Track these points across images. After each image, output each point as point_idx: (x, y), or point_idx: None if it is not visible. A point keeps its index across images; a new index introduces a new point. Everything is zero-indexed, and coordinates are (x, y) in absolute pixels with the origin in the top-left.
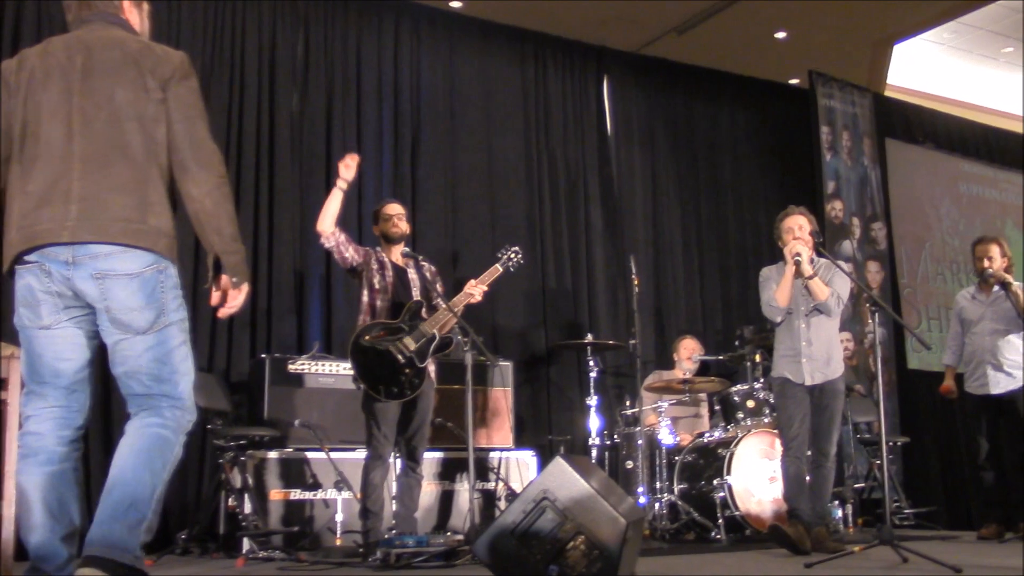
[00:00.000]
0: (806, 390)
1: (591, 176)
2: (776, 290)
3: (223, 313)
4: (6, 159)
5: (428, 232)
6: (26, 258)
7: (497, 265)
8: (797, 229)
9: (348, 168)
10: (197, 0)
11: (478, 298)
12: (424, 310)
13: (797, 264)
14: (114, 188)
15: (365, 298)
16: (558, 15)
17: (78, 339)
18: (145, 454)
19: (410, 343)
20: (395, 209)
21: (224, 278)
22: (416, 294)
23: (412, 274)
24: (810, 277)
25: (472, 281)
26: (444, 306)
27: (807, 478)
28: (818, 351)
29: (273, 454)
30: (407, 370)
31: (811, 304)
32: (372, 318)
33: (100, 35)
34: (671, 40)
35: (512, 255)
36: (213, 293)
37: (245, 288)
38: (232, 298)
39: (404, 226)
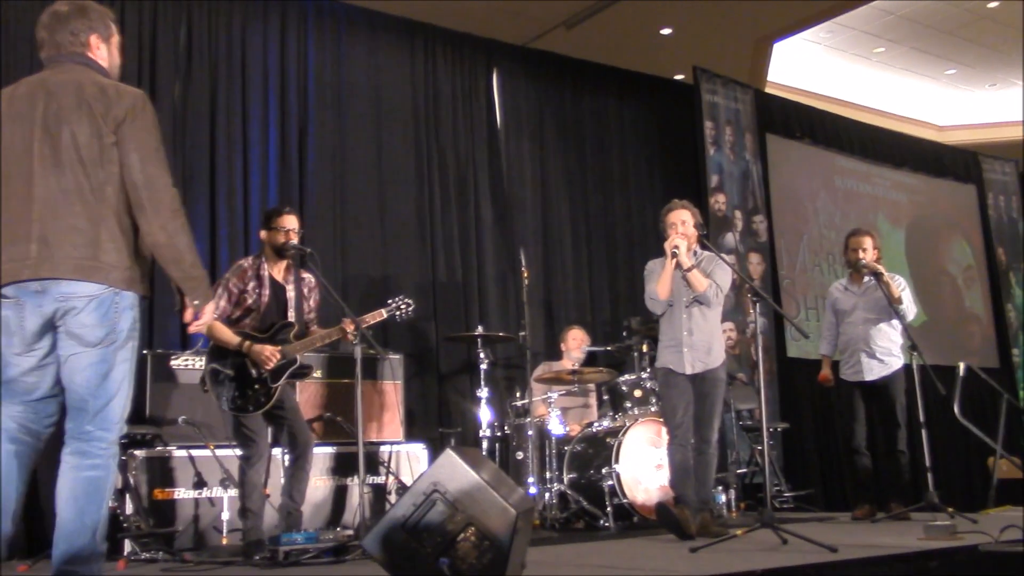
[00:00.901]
0: (688, 379)
1: (480, 169)
2: (657, 283)
3: (193, 328)
4: None
5: (316, 225)
6: (4, 292)
7: (382, 311)
8: (680, 224)
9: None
10: None
11: (350, 338)
12: (292, 332)
13: (675, 256)
14: (68, 229)
15: (233, 315)
16: (447, 8)
17: (45, 368)
18: (82, 502)
19: None
20: (292, 222)
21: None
22: (291, 314)
23: (290, 292)
24: (689, 269)
25: (348, 319)
26: (316, 332)
27: (692, 465)
28: (699, 341)
29: (156, 452)
30: (256, 386)
31: (692, 295)
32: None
33: (62, 78)
34: (559, 34)
35: (403, 305)
36: (185, 312)
37: (209, 308)
38: (200, 320)
39: (296, 241)
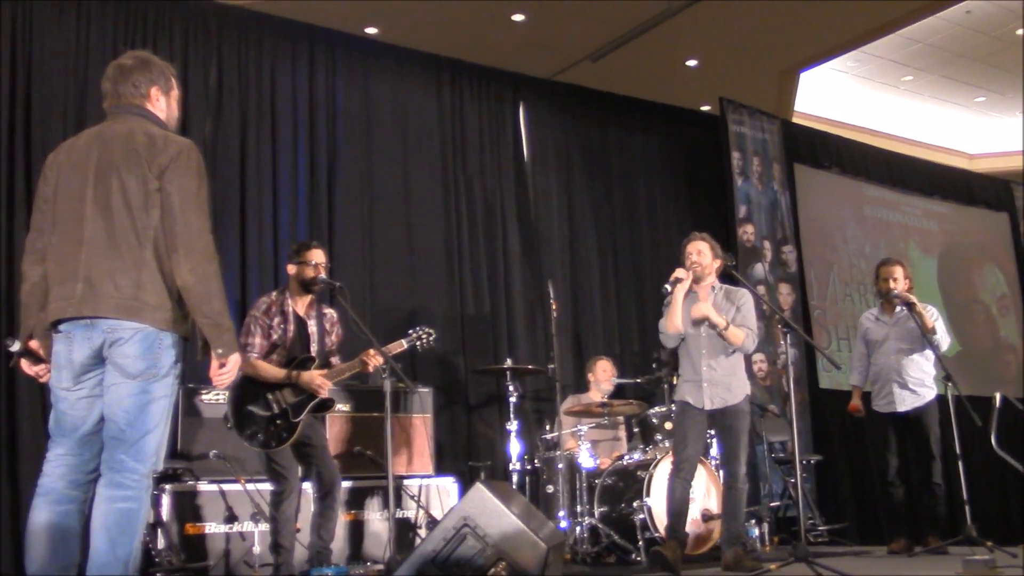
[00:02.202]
0: (706, 414)
1: (508, 201)
2: (666, 317)
3: (217, 382)
4: (42, 248)
5: (344, 259)
6: (60, 327)
7: (403, 341)
8: (696, 254)
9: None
10: (106, 20)
11: (370, 370)
12: (313, 366)
13: (669, 292)
14: (113, 271)
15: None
16: (473, 42)
17: (93, 401)
18: (115, 533)
19: (288, 396)
20: (320, 256)
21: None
22: (313, 349)
23: (312, 327)
24: (726, 327)
25: (371, 351)
26: (337, 366)
27: (688, 501)
28: (720, 375)
29: (186, 487)
30: (278, 421)
31: (711, 328)
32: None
33: (117, 129)
34: (585, 67)
35: (424, 335)
36: (211, 363)
37: (232, 359)
38: (224, 368)
39: (324, 275)
